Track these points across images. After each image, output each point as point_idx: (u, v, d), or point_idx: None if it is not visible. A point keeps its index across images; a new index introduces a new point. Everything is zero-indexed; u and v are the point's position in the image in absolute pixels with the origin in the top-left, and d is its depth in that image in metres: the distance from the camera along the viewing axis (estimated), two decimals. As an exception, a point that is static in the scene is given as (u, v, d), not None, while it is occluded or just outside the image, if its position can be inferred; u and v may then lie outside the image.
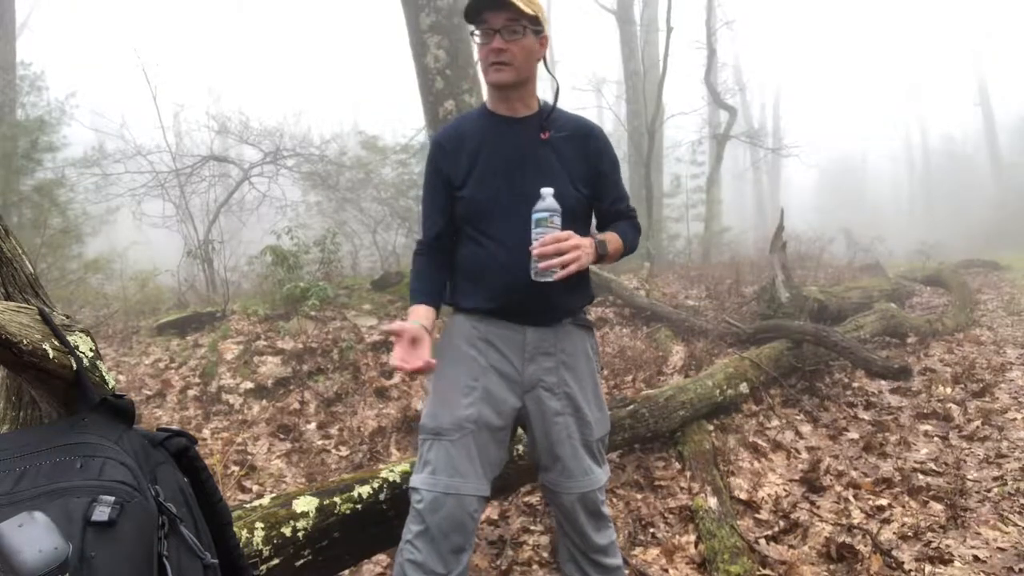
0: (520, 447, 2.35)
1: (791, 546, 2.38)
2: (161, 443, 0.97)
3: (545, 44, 1.63)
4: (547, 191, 1.53)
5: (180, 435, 1.00)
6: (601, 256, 1.61)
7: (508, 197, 1.59)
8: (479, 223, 1.64)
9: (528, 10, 1.53)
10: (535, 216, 1.52)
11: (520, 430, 1.79)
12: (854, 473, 2.92)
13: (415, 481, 1.61)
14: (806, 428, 3.49)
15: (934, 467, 2.95)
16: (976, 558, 2.21)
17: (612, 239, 1.68)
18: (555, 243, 1.48)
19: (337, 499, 1.88)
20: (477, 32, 1.59)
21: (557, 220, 1.51)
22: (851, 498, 2.69)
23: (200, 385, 4.35)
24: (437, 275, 1.74)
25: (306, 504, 1.81)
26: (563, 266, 1.48)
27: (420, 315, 1.64)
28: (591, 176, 1.70)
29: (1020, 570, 2.13)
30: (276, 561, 1.69)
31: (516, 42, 1.56)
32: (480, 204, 1.64)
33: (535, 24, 1.57)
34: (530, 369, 1.66)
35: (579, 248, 1.50)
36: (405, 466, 2.12)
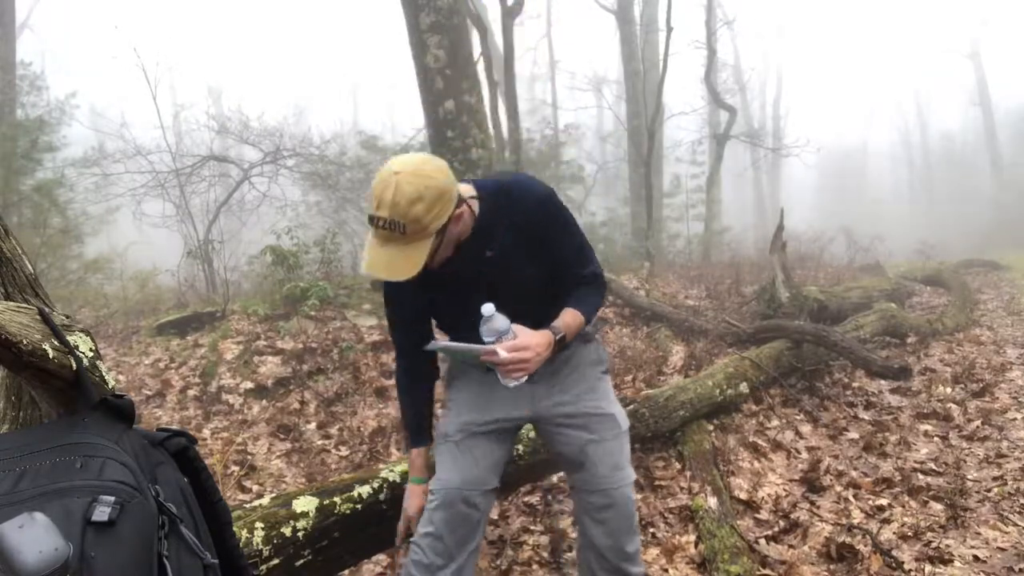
0: (520, 447, 2.35)
1: (791, 546, 2.38)
2: (161, 443, 0.97)
3: (459, 217, 1.46)
4: (487, 309, 1.44)
5: (180, 435, 1.00)
6: (562, 347, 1.57)
7: (471, 312, 1.51)
8: (452, 332, 1.72)
9: (418, 266, 1.39)
10: (485, 339, 1.46)
11: (524, 431, 1.82)
12: (854, 473, 2.92)
13: (430, 483, 1.68)
14: (806, 428, 3.49)
15: (934, 467, 2.95)
16: (976, 558, 2.21)
17: (570, 323, 1.58)
18: (509, 359, 1.43)
19: (337, 499, 1.88)
20: None
21: (506, 339, 1.44)
22: (851, 498, 2.69)
23: (200, 385, 4.35)
24: (426, 401, 1.79)
25: (306, 504, 1.81)
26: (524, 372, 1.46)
27: (423, 467, 1.76)
28: (542, 253, 1.59)
29: (1020, 570, 2.13)
30: (276, 561, 1.69)
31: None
32: (446, 321, 1.71)
33: (440, 235, 1.42)
34: (540, 387, 1.69)
35: (527, 361, 1.44)
36: (405, 466, 2.11)
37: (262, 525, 1.70)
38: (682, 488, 2.79)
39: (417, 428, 1.79)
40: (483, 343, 1.45)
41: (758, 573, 2.18)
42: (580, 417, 1.68)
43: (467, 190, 1.54)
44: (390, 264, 1.38)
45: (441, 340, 1.53)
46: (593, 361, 1.76)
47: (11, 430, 1.18)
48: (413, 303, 1.67)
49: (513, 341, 1.44)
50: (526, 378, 1.48)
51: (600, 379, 1.75)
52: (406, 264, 1.38)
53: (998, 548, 2.26)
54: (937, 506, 2.57)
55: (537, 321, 1.53)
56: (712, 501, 2.54)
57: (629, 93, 13.25)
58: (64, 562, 0.68)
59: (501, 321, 1.45)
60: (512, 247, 1.57)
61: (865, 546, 2.29)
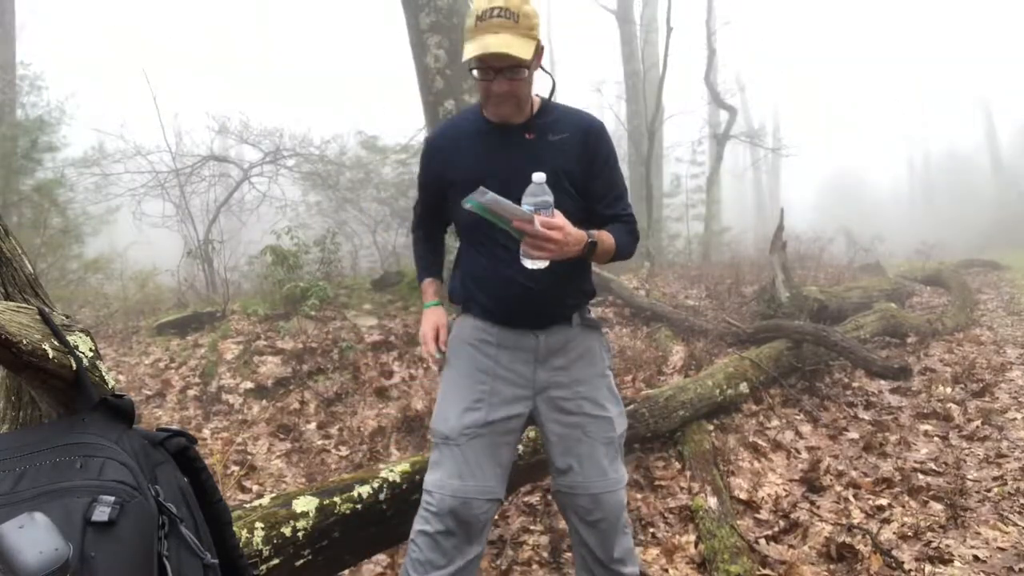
0: (520, 447, 2.35)
1: (791, 546, 2.38)
2: (161, 443, 0.97)
3: (541, 54, 1.57)
4: (539, 177, 1.42)
5: (180, 435, 1.00)
6: (588, 254, 1.52)
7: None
8: (478, 232, 1.63)
9: (530, 54, 1.47)
10: (524, 207, 1.42)
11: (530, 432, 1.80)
12: (854, 473, 2.92)
13: (426, 482, 1.64)
14: (806, 428, 3.49)
15: (934, 467, 2.95)
16: (976, 558, 2.21)
17: (604, 238, 1.58)
18: (541, 232, 1.39)
19: (337, 499, 1.88)
20: (476, 70, 1.52)
21: (545, 213, 1.41)
22: (851, 498, 2.69)
23: (200, 385, 4.35)
24: (437, 251, 1.94)
25: (306, 504, 1.81)
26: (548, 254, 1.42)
27: (435, 292, 1.85)
28: (583, 177, 1.63)
29: (1020, 570, 2.13)
30: (276, 561, 1.69)
31: (519, 81, 1.52)
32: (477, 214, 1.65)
33: (535, 53, 1.52)
34: (542, 372, 1.66)
35: (555, 242, 1.40)
36: (405, 466, 2.12)
37: (262, 525, 1.70)
38: (682, 488, 2.79)
39: (428, 266, 1.90)
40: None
41: (758, 573, 2.18)
42: (576, 415, 1.65)
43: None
44: (508, 42, 1.44)
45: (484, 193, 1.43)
46: (598, 354, 1.72)
47: (11, 430, 1.18)
48: (438, 195, 1.73)
49: (550, 218, 1.41)
50: (546, 264, 1.45)
51: (603, 376, 1.72)
52: (521, 47, 1.45)
53: (998, 548, 2.26)
54: (937, 506, 2.57)
55: (563, 265, 1.52)
56: (712, 501, 2.54)
57: (629, 93, 13.24)
58: (64, 562, 0.68)
59: (548, 195, 1.42)
60: (559, 146, 1.60)
61: (865, 546, 2.29)
